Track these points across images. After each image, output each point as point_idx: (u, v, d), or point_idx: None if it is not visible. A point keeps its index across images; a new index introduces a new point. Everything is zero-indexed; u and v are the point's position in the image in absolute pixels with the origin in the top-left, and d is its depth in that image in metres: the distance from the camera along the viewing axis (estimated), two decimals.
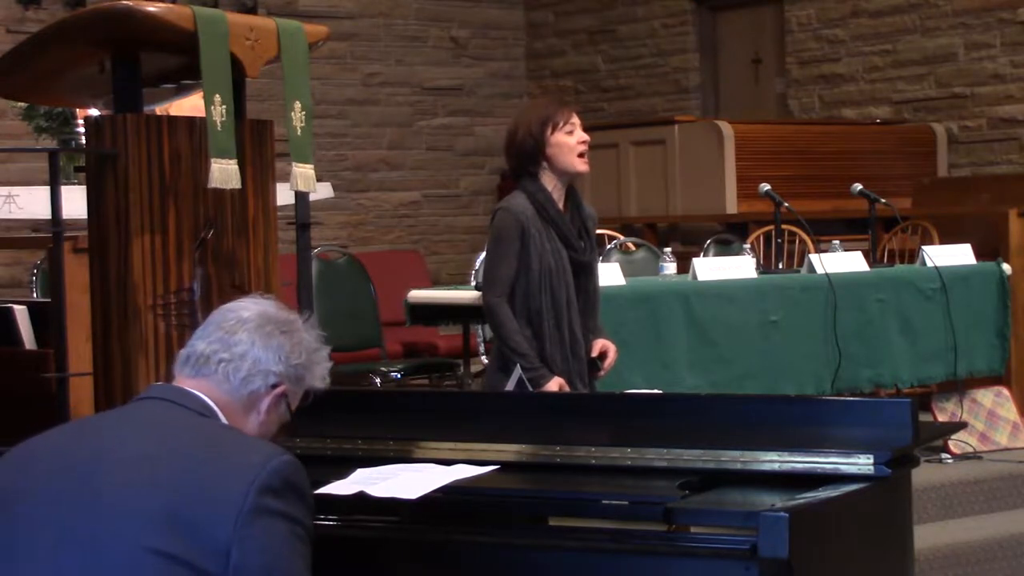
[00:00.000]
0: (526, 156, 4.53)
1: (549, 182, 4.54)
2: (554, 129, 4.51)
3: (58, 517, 2.25)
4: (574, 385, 4.48)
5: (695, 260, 6.21)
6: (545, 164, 4.53)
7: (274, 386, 2.46)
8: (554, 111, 4.56)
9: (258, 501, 2.20)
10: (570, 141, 4.52)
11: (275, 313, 2.50)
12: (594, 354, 4.59)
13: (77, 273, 3.63)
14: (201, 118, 3.35)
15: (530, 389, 4.38)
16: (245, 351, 2.44)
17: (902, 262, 7.48)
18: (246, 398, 2.45)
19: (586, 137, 4.57)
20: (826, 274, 6.20)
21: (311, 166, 3.57)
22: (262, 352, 2.45)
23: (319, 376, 2.55)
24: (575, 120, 4.56)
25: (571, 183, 4.62)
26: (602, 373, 4.64)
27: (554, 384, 4.43)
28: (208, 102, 3.31)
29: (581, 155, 4.54)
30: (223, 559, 2.18)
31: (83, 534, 2.22)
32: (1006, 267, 6.86)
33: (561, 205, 4.57)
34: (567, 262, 4.52)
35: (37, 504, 2.28)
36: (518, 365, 4.44)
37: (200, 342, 2.46)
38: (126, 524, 2.20)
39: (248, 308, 2.50)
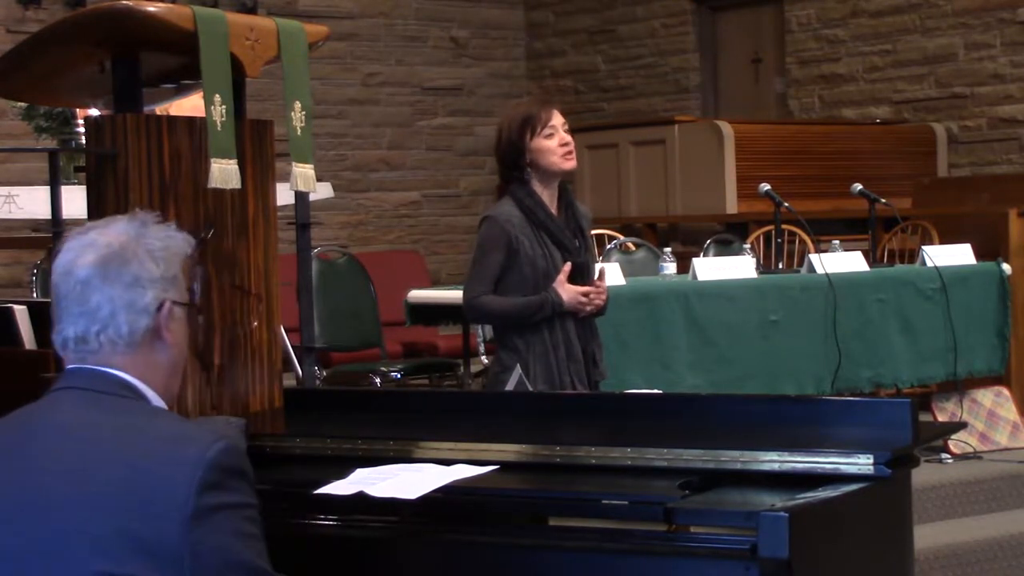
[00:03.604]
0: (511, 162, 4.46)
1: (538, 185, 4.47)
2: (533, 133, 4.42)
3: (3, 542, 2.17)
4: (572, 386, 4.45)
5: (695, 260, 6.21)
6: (530, 168, 4.45)
7: (158, 308, 2.31)
8: (534, 112, 4.46)
9: (200, 502, 2.13)
10: (550, 144, 4.42)
11: (105, 250, 2.29)
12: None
13: None
14: (201, 118, 3.34)
15: (532, 379, 4.36)
16: (112, 309, 2.27)
17: (902, 262, 7.48)
18: (143, 340, 2.30)
19: (568, 139, 4.45)
20: (826, 274, 6.20)
21: (311, 166, 3.57)
22: (124, 294, 2.28)
23: (184, 254, 2.37)
24: (556, 121, 4.44)
25: (563, 183, 4.56)
26: (602, 291, 4.52)
27: (563, 292, 4.38)
28: (208, 102, 3.30)
29: (565, 154, 4.43)
30: (179, 566, 2.12)
31: (33, 564, 2.14)
32: (1006, 267, 6.86)
33: (553, 206, 4.50)
34: (560, 264, 4.45)
35: None
36: (517, 365, 4.41)
37: (66, 326, 2.30)
38: (75, 550, 2.12)
39: (80, 262, 2.29)
